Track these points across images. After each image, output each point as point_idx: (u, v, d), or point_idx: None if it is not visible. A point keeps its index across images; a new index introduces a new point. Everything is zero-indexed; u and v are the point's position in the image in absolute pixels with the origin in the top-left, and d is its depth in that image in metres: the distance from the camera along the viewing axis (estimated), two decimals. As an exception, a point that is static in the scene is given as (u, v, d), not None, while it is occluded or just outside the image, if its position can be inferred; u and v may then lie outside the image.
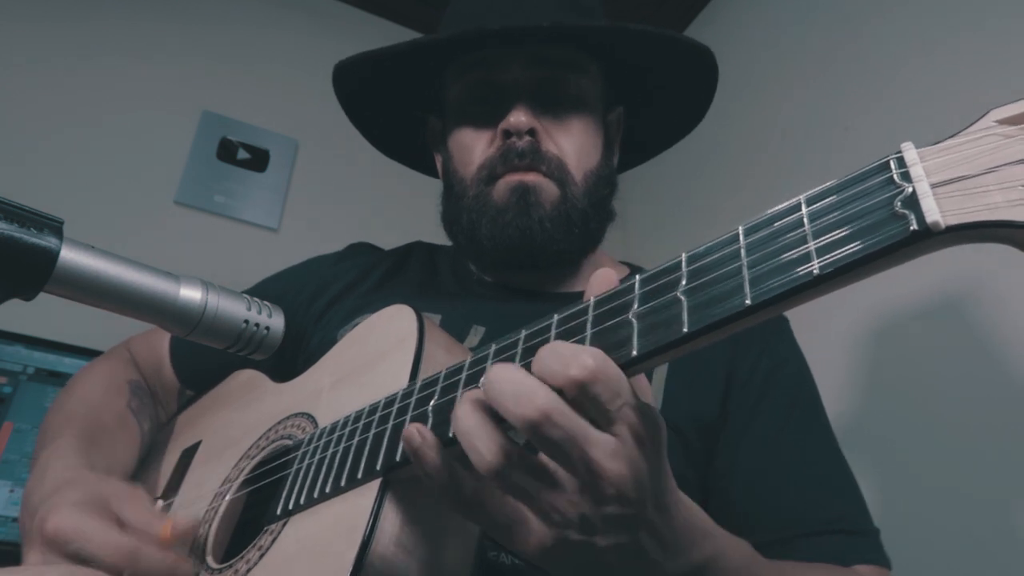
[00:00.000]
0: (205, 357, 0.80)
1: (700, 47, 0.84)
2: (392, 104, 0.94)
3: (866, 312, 1.32)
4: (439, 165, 0.93)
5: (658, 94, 0.93)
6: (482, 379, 0.40)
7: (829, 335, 1.35)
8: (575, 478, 0.39)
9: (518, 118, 0.78)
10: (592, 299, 0.42)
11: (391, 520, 0.48)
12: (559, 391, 0.38)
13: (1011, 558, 1.00)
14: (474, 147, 0.83)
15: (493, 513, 0.41)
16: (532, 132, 0.79)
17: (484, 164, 0.81)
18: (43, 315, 1.21)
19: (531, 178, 0.78)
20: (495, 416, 0.39)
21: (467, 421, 0.40)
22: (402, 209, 1.92)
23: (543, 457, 0.40)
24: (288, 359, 0.84)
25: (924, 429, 1.17)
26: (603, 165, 0.85)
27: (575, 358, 0.37)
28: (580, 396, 0.37)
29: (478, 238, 0.80)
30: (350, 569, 0.45)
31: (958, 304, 1.17)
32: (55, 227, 0.47)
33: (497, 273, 0.87)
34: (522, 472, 0.40)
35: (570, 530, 0.40)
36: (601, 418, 0.38)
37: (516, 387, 0.38)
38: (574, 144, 0.82)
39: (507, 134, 0.79)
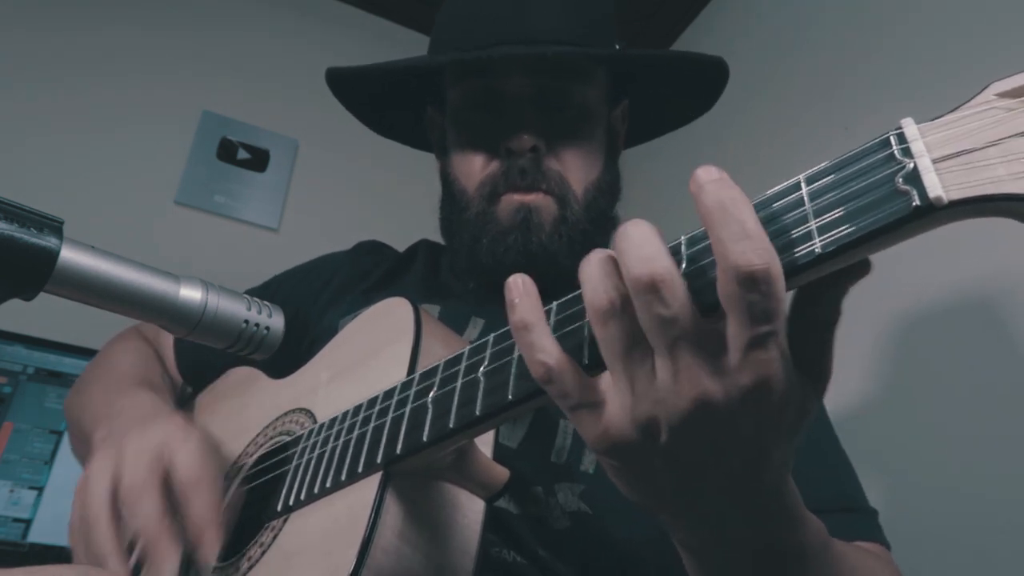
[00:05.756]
0: (209, 352, 0.81)
1: (715, 63, 0.83)
2: (389, 89, 0.93)
3: (869, 311, 1.32)
4: (438, 163, 0.93)
5: (663, 89, 0.93)
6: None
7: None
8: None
9: (520, 138, 0.78)
10: None
11: (393, 514, 0.47)
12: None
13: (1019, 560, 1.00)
14: (475, 159, 0.82)
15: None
16: (534, 149, 0.78)
17: (486, 180, 0.81)
18: (43, 315, 1.21)
19: (532, 198, 0.78)
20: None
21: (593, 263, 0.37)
22: (402, 209, 1.91)
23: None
24: (294, 354, 0.84)
25: (927, 429, 1.17)
26: (605, 174, 0.85)
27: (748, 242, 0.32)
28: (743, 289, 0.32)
29: (478, 255, 0.81)
30: (353, 564, 0.44)
31: (966, 301, 1.17)
32: (55, 227, 0.46)
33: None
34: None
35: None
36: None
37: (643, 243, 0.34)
38: (577, 157, 0.81)
39: (509, 151, 0.79)
